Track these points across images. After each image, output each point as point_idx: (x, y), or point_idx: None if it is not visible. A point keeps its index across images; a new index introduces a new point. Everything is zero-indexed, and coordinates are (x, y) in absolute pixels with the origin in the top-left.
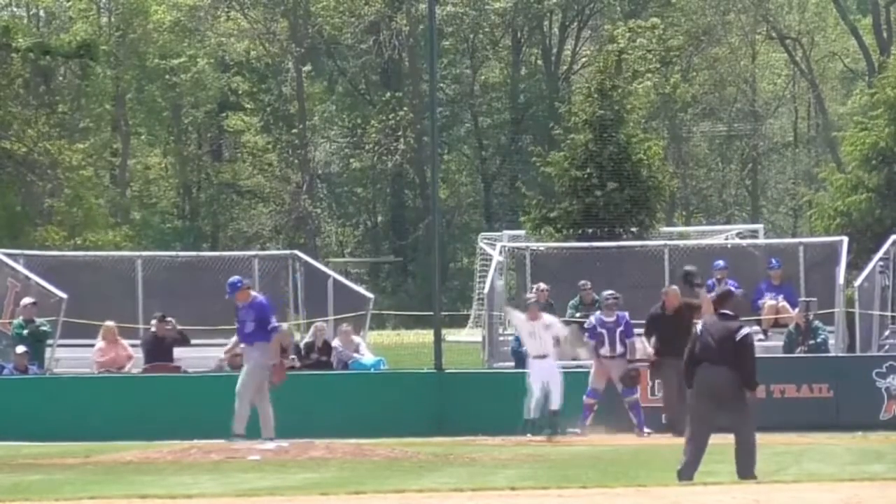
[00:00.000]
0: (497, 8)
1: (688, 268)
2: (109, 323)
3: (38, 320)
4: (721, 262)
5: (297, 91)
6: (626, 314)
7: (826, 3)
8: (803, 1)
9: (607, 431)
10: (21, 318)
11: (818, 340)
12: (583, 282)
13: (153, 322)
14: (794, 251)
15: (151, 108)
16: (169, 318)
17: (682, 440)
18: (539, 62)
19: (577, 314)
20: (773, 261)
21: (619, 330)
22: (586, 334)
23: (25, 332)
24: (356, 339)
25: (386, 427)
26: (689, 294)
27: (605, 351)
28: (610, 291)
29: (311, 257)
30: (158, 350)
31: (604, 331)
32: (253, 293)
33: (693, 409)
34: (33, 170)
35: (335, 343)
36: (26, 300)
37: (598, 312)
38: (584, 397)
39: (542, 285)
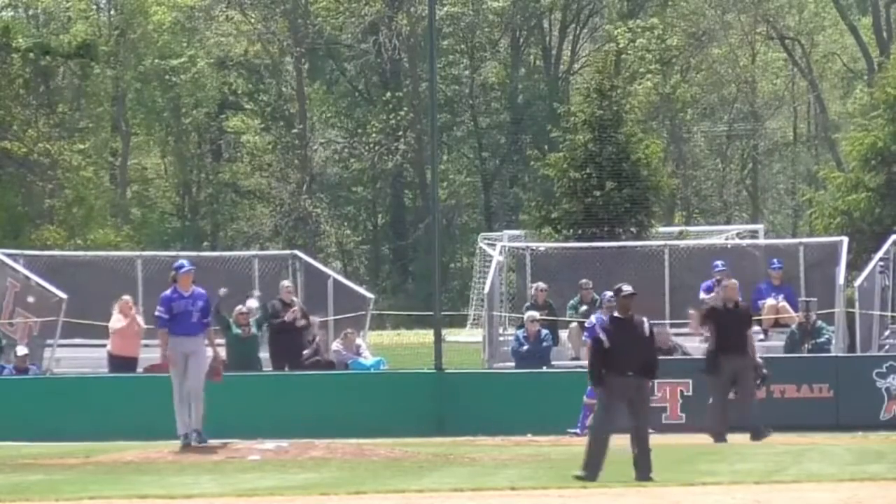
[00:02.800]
0: (494, 8)
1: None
2: (126, 297)
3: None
4: (720, 263)
5: (297, 91)
6: None
7: (825, 2)
8: (802, 0)
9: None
10: None
11: (821, 340)
12: (584, 280)
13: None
14: (794, 251)
15: (151, 109)
16: None
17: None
18: (539, 62)
19: (577, 313)
20: (775, 261)
21: None
22: (585, 333)
23: None
24: (358, 341)
25: (386, 427)
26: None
27: None
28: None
29: (310, 257)
30: None
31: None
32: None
33: None
34: (33, 170)
35: (336, 345)
36: None
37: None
38: (585, 397)
39: (541, 284)
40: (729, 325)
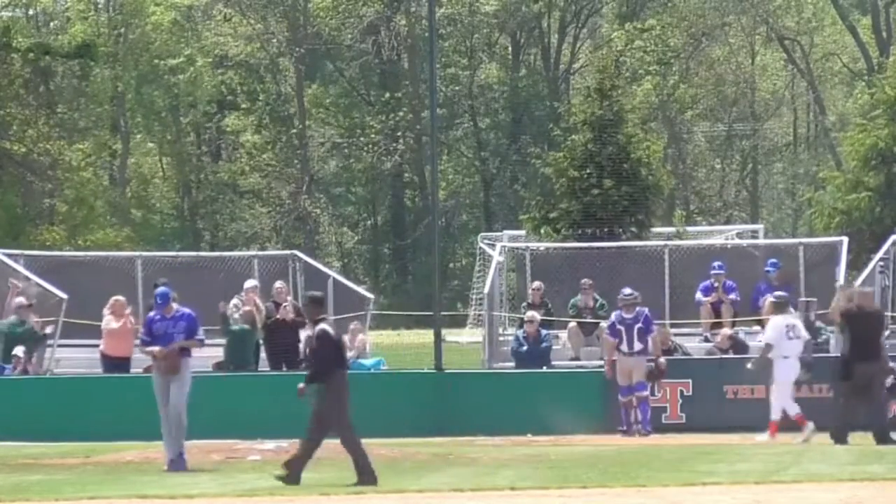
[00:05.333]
0: (489, 12)
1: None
2: (120, 298)
3: (33, 320)
4: (717, 265)
5: (296, 91)
6: (647, 310)
7: (825, 2)
8: (801, 1)
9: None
10: (15, 316)
11: (820, 340)
12: (584, 280)
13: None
14: (794, 251)
15: (150, 109)
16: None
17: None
18: (539, 62)
19: (572, 312)
20: (770, 264)
21: (637, 326)
22: (606, 331)
23: (20, 330)
24: (362, 336)
25: (386, 427)
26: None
27: (623, 347)
28: (628, 292)
29: (310, 257)
30: None
31: (622, 328)
32: (175, 305)
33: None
34: (33, 170)
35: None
36: (20, 300)
37: (618, 310)
38: (619, 397)
39: (536, 284)
40: (863, 330)
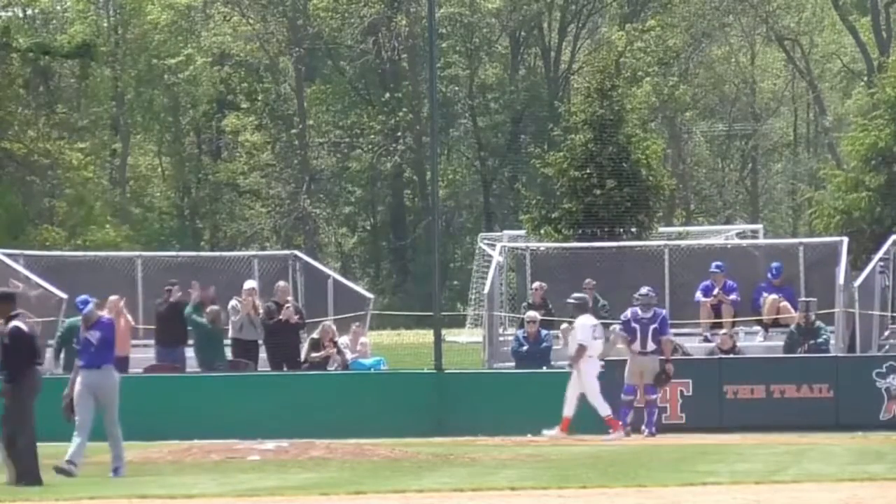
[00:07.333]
0: (491, 9)
1: None
2: (113, 297)
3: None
4: (716, 264)
5: (296, 91)
6: (664, 311)
7: (825, 2)
8: (801, 1)
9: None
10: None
11: (819, 341)
12: (587, 280)
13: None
14: (794, 251)
15: (149, 108)
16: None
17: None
18: (539, 62)
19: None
20: (775, 269)
21: (652, 327)
22: (620, 326)
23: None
24: (364, 339)
25: (386, 427)
26: None
27: (636, 347)
28: (645, 291)
29: (310, 257)
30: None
31: (637, 326)
32: (100, 313)
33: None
34: (33, 170)
35: (343, 340)
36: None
37: (633, 307)
38: (622, 395)
39: (537, 284)
40: None
